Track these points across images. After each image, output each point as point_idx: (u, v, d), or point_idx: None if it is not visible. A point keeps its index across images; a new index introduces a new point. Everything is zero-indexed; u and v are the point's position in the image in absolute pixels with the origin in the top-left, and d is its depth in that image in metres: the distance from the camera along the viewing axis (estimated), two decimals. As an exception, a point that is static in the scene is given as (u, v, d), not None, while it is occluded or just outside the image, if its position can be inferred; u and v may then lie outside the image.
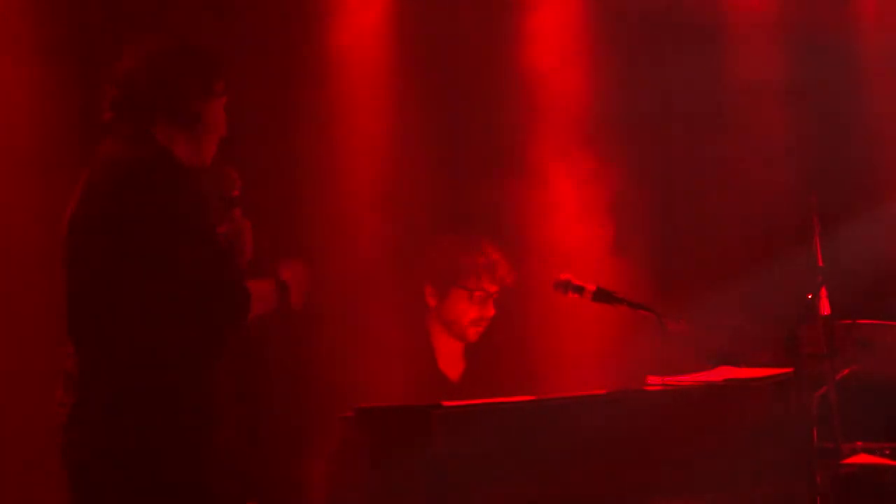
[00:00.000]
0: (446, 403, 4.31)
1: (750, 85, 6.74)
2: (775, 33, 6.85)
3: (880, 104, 6.67)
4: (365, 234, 6.31)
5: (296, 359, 6.17)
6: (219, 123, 4.28)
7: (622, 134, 6.68)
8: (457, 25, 6.59)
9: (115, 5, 5.62)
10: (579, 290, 5.33)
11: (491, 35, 6.67)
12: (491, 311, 5.80)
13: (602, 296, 5.32)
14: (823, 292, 5.20)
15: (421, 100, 6.53)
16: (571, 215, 6.66)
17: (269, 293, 4.23)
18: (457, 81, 6.62)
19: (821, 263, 5.27)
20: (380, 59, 6.49)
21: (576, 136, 6.70)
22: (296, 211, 6.21)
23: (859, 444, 5.24)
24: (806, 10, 6.80)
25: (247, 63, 6.07)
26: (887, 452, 5.20)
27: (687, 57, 6.65)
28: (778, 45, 6.84)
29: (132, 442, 3.94)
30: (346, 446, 4.39)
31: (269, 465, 5.91)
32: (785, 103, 6.70)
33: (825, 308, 5.22)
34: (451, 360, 5.84)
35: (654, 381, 4.89)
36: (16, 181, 5.56)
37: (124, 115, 4.16)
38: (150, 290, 3.96)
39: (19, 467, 5.40)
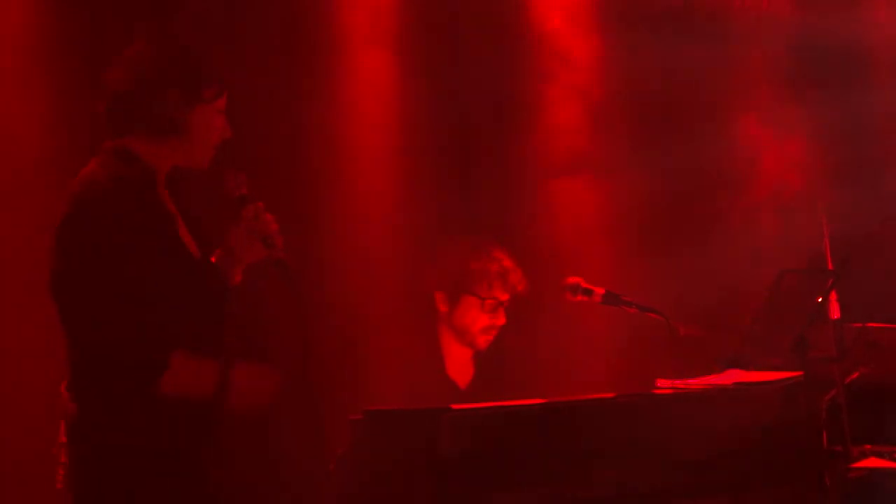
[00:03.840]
0: (455, 406, 4.30)
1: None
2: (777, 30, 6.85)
3: (889, 103, 6.66)
4: (374, 239, 6.32)
5: (303, 364, 6.16)
6: (212, 129, 4.21)
7: (631, 139, 6.70)
8: (464, 28, 6.60)
9: (123, 13, 5.62)
10: (588, 293, 5.36)
11: (499, 38, 6.68)
12: (502, 320, 5.77)
13: (611, 299, 5.34)
14: (833, 296, 5.20)
15: (430, 102, 6.54)
16: (581, 219, 6.68)
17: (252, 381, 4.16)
18: (466, 85, 6.63)
19: (830, 267, 5.27)
20: (388, 63, 6.50)
21: (584, 142, 6.72)
22: (305, 216, 6.21)
23: (868, 447, 5.23)
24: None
25: (254, 68, 6.09)
26: (896, 456, 5.20)
27: (693, 53, 6.67)
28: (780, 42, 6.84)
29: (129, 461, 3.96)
30: (354, 449, 4.38)
31: (277, 469, 5.91)
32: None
33: (835, 311, 5.23)
34: (459, 366, 5.83)
35: (664, 385, 4.89)
36: (23, 191, 5.58)
37: (109, 128, 4.14)
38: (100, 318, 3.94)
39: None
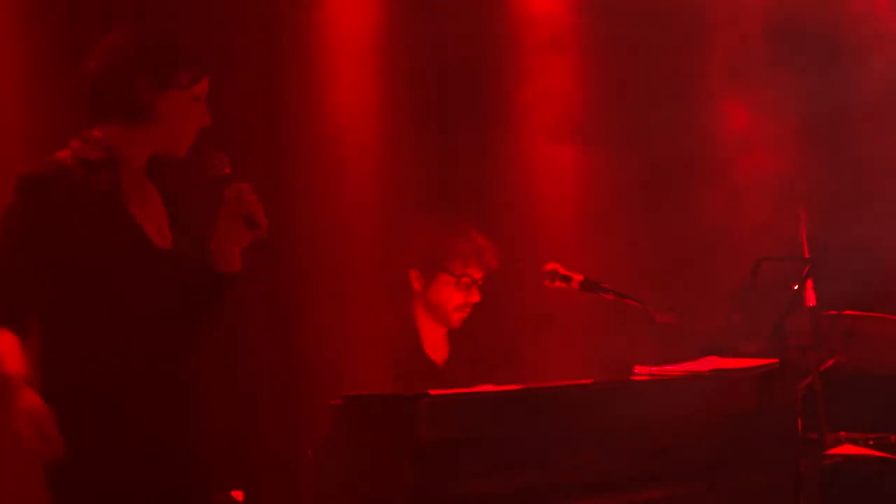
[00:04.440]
0: (433, 392, 4.31)
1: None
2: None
3: (869, 95, 6.66)
4: (350, 219, 6.32)
5: (281, 345, 6.18)
6: (187, 115, 4.12)
7: (610, 122, 6.71)
8: (445, 6, 6.59)
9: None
10: (566, 279, 5.38)
11: (479, 15, 6.68)
12: (476, 298, 5.80)
13: (589, 285, 5.36)
14: (809, 283, 5.23)
15: (409, 83, 6.53)
16: (558, 201, 6.70)
17: None
18: (445, 64, 6.63)
19: (807, 255, 5.29)
20: (367, 39, 6.48)
21: (565, 123, 6.73)
22: (280, 195, 6.19)
23: (843, 434, 5.25)
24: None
25: (232, 43, 6.06)
26: (871, 443, 5.21)
27: (673, 32, 6.68)
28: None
29: (100, 440, 3.91)
30: (333, 434, 4.39)
31: (256, 453, 5.91)
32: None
33: (811, 299, 5.25)
34: (435, 344, 5.84)
35: (641, 371, 4.91)
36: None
37: (89, 115, 4.10)
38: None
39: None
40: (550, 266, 5.40)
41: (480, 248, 5.76)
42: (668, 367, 4.97)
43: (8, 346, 3.83)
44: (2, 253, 3.92)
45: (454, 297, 5.76)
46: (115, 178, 4.04)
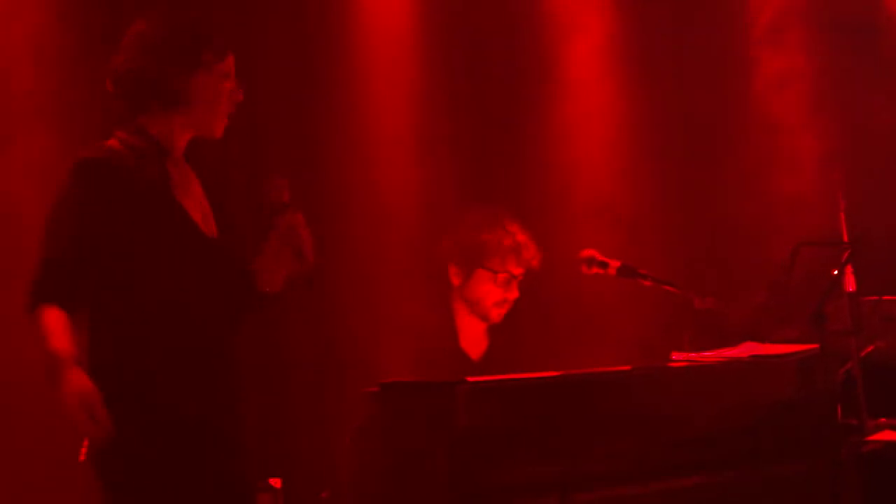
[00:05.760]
0: (471, 379, 4.30)
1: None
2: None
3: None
4: (389, 211, 6.32)
5: (319, 335, 6.19)
6: (217, 94, 4.14)
7: (647, 109, 6.70)
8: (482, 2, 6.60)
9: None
10: (603, 265, 5.35)
11: (514, 5, 6.68)
12: (515, 294, 5.75)
13: (626, 272, 5.33)
14: (849, 268, 5.20)
15: (446, 76, 6.54)
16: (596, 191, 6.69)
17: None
18: (481, 60, 6.63)
19: (846, 239, 5.27)
20: (403, 32, 6.49)
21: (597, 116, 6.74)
22: (320, 189, 6.21)
23: (883, 420, 5.22)
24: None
25: (267, 39, 6.08)
26: (911, 429, 5.19)
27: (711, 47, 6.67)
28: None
29: (150, 430, 3.94)
30: (370, 421, 4.39)
31: (293, 441, 5.93)
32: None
33: (851, 284, 5.22)
34: (473, 338, 5.82)
35: (679, 358, 4.89)
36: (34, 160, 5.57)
37: (121, 106, 4.13)
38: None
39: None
40: (587, 252, 5.38)
41: (519, 243, 5.71)
42: (707, 354, 4.94)
43: (58, 324, 3.85)
44: (56, 234, 3.94)
45: (492, 293, 5.72)
46: (163, 168, 4.08)
